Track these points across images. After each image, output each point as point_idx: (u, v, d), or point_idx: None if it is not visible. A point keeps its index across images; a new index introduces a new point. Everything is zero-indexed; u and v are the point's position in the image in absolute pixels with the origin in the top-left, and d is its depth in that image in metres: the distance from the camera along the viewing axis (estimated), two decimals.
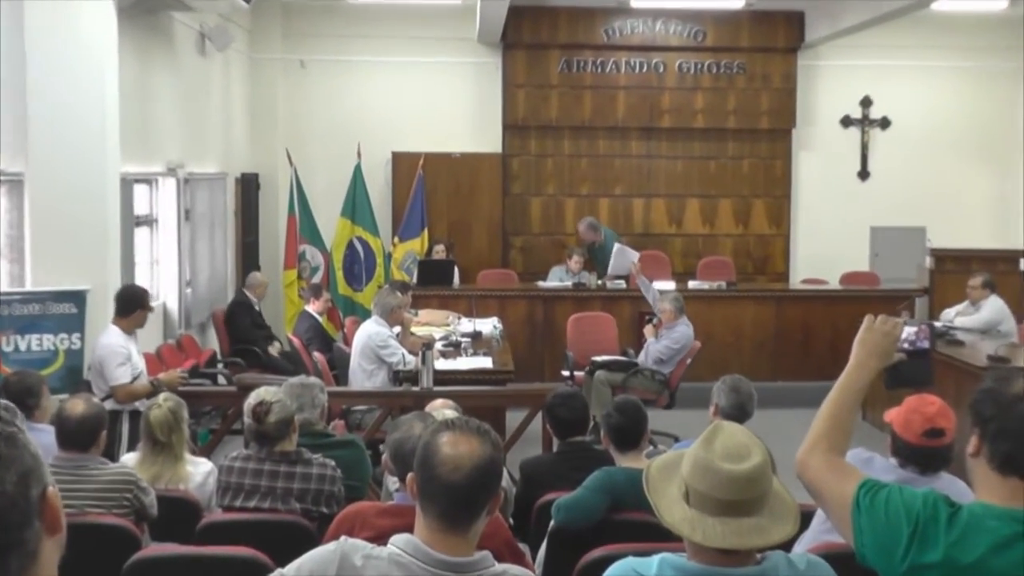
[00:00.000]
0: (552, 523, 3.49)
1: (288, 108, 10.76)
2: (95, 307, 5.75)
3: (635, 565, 1.94)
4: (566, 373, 7.88)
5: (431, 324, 7.80)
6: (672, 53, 10.89)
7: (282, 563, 1.93)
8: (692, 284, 9.37)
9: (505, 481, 3.08)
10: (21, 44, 5.62)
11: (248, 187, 10.22)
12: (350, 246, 10.31)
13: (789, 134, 11.17)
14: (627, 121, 10.92)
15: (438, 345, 6.74)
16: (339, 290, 10.23)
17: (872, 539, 1.80)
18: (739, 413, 3.97)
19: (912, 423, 3.11)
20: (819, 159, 11.29)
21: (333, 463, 3.72)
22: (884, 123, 11.35)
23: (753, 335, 9.13)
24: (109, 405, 4.90)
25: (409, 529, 1.93)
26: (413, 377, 6.00)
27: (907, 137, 11.28)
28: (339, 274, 10.31)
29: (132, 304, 5.53)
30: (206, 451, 5.48)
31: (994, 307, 7.68)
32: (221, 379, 7.55)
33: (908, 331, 2.12)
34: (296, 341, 7.68)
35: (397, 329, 6.58)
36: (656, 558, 1.92)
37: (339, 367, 7.09)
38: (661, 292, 7.87)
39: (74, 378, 5.58)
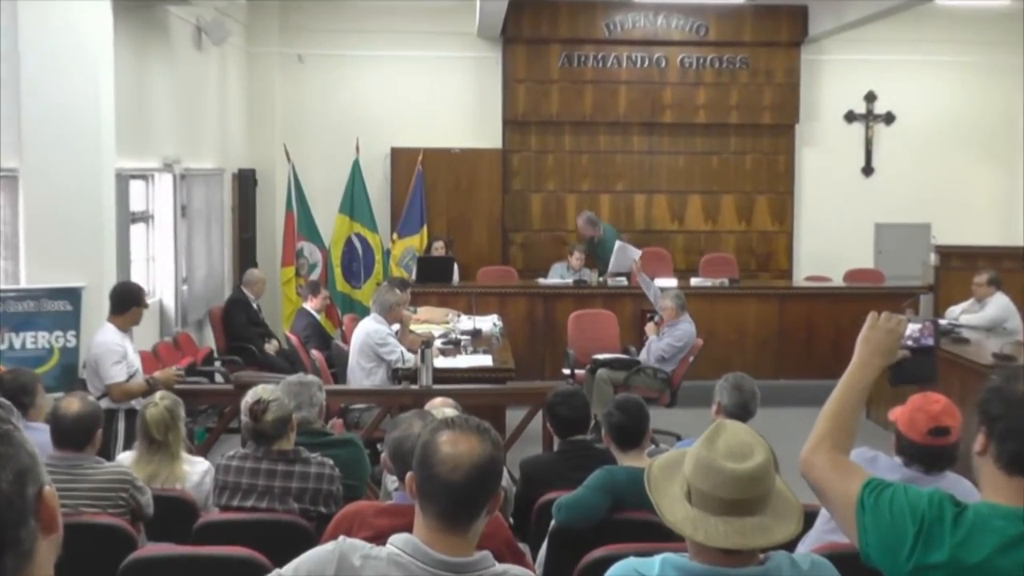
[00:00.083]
0: (553, 523, 3.47)
1: (286, 103, 10.73)
2: (90, 304, 5.73)
3: (637, 565, 1.93)
4: (567, 371, 7.86)
5: (430, 322, 7.79)
6: (674, 47, 10.85)
7: (280, 563, 1.92)
8: (694, 281, 9.35)
9: (505, 480, 3.06)
10: (15, 38, 5.60)
11: (245, 183, 10.19)
12: (348, 243, 10.28)
13: (792, 129, 11.13)
14: (628, 116, 10.89)
15: (437, 343, 6.72)
16: (337, 287, 10.20)
17: (877, 539, 1.78)
18: (742, 411, 3.96)
19: (917, 421, 3.10)
20: (823, 155, 11.25)
21: (331, 462, 3.71)
22: (889, 118, 11.30)
23: (756, 333, 9.11)
24: (104, 404, 4.87)
25: (408, 529, 1.93)
26: (412, 375, 5.97)
27: (912, 133, 11.24)
28: (337, 271, 10.28)
29: (127, 301, 5.49)
30: (203, 450, 5.44)
31: (999, 305, 7.67)
32: (218, 377, 7.52)
33: (912, 328, 2.12)
34: (294, 339, 7.65)
35: (396, 327, 6.56)
36: (658, 558, 1.91)
37: (337, 365, 7.07)
38: (662, 289, 7.84)
39: (69, 376, 5.56)
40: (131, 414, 5.08)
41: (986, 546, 1.69)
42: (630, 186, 11.02)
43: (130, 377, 5.41)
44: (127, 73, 6.81)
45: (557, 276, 9.52)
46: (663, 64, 10.87)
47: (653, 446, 4.24)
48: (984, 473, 1.80)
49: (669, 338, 7.33)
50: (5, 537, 0.98)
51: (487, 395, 5.99)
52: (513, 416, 5.92)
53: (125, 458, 4.02)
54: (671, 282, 8.73)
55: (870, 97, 11.27)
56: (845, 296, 9.31)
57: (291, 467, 3.62)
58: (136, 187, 7.57)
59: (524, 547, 3.40)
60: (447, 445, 1.88)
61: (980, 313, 7.68)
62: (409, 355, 6.24)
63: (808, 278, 10.39)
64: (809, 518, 2.86)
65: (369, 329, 6.40)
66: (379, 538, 1.98)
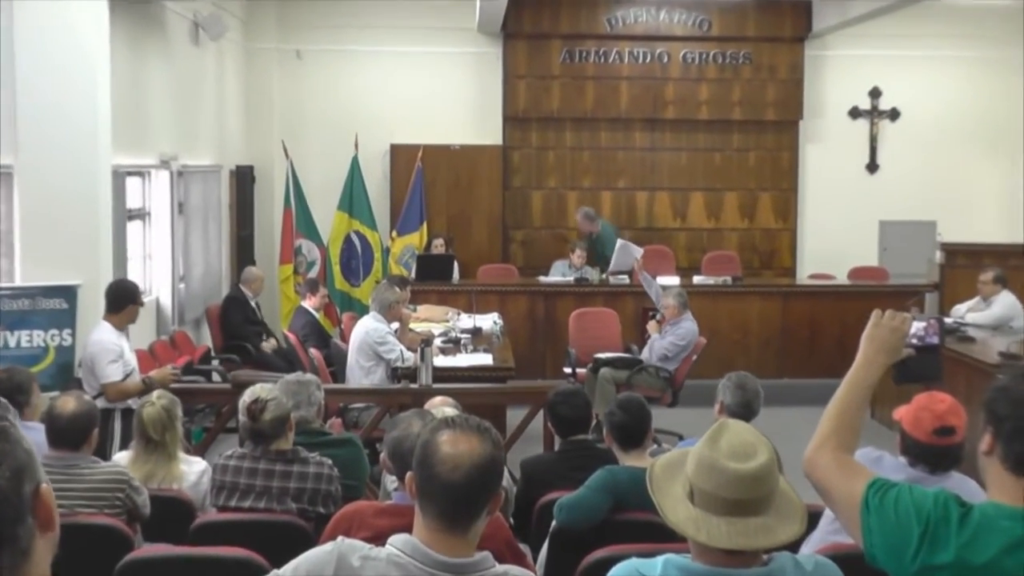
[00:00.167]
0: (554, 523, 3.47)
1: (284, 99, 10.69)
2: (86, 303, 5.69)
3: (639, 566, 1.93)
4: (568, 370, 7.84)
5: (430, 320, 7.78)
6: (676, 43, 10.81)
7: (278, 564, 1.92)
8: (697, 279, 9.33)
9: (505, 480, 3.04)
10: (11, 33, 5.57)
11: (243, 180, 10.17)
12: (347, 240, 10.25)
13: (796, 126, 11.09)
14: (630, 113, 10.85)
15: (437, 341, 6.72)
16: (336, 285, 10.17)
17: (882, 539, 1.78)
18: (745, 411, 3.95)
19: (922, 421, 3.09)
20: (827, 151, 11.20)
21: (330, 462, 3.71)
22: (894, 114, 11.24)
23: (759, 331, 9.09)
24: (100, 403, 4.85)
25: (408, 529, 1.92)
26: (412, 374, 5.95)
27: (917, 129, 11.18)
28: (336, 269, 10.25)
29: (123, 299, 5.46)
30: (200, 449, 5.43)
31: (1005, 303, 7.66)
32: (216, 376, 7.50)
33: (917, 326, 2.11)
34: (292, 337, 7.63)
35: (395, 325, 6.54)
36: (660, 559, 1.91)
37: (336, 364, 7.05)
38: (664, 288, 7.80)
39: (65, 375, 5.54)
40: (127, 413, 5.07)
41: (992, 547, 1.68)
42: (632, 183, 10.99)
43: (126, 376, 5.39)
44: (123, 69, 6.78)
45: (558, 274, 9.50)
46: (665, 60, 10.83)
47: (655, 446, 4.23)
48: (991, 473, 1.79)
49: (671, 337, 7.30)
50: (2, 534, 0.98)
51: (487, 394, 5.97)
52: (514, 415, 5.90)
53: (121, 458, 4.02)
54: (673, 280, 8.69)
55: (875, 93, 11.21)
56: (849, 294, 9.28)
57: (289, 467, 3.61)
58: (132, 184, 7.55)
59: (525, 548, 3.40)
60: (447, 445, 1.87)
61: (986, 311, 7.66)
62: (408, 354, 6.22)
63: (812, 276, 10.36)
64: (813, 518, 2.84)
65: (368, 327, 6.38)
66: (378, 539, 1.97)
